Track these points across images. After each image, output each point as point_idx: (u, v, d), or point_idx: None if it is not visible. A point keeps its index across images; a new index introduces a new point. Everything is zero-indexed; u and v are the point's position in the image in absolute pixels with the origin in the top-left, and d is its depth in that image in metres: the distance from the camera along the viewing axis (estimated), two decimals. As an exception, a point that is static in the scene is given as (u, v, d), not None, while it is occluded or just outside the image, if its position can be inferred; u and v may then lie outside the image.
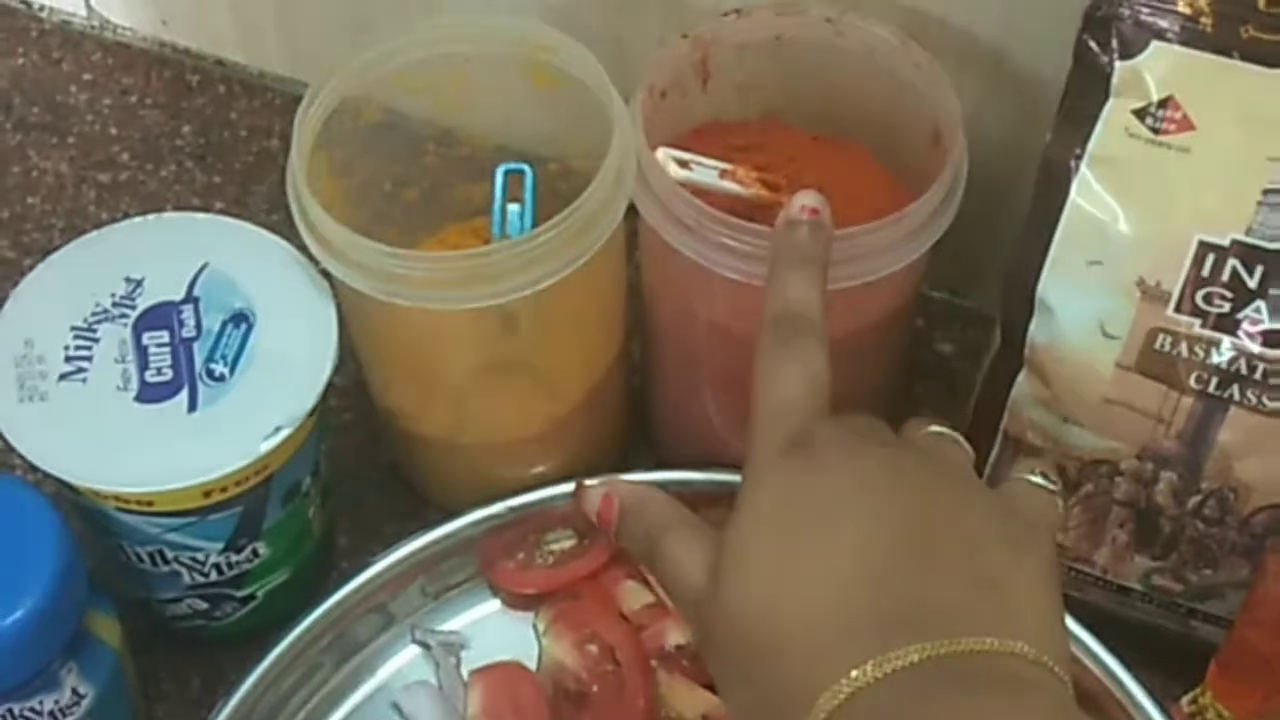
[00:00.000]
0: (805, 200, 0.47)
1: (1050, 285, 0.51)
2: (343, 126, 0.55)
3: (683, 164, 0.52)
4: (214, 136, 0.75)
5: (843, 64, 0.57)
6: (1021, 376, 0.53)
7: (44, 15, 0.79)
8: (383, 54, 0.56)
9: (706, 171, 0.53)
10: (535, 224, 0.57)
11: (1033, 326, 0.52)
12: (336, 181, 0.56)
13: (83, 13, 0.78)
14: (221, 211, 0.71)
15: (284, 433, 0.50)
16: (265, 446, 0.50)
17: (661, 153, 0.52)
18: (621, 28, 0.65)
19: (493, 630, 0.59)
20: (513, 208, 0.57)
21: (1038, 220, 0.52)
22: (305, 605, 0.55)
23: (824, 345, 0.44)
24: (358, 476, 0.63)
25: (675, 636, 0.56)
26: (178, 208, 0.72)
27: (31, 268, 0.69)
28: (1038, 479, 0.44)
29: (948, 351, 0.68)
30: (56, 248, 0.69)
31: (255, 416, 0.50)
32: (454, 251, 0.51)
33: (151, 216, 0.56)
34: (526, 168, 0.57)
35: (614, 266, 0.57)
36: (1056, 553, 0.41)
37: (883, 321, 0.57)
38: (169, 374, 0.51)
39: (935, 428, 0.45)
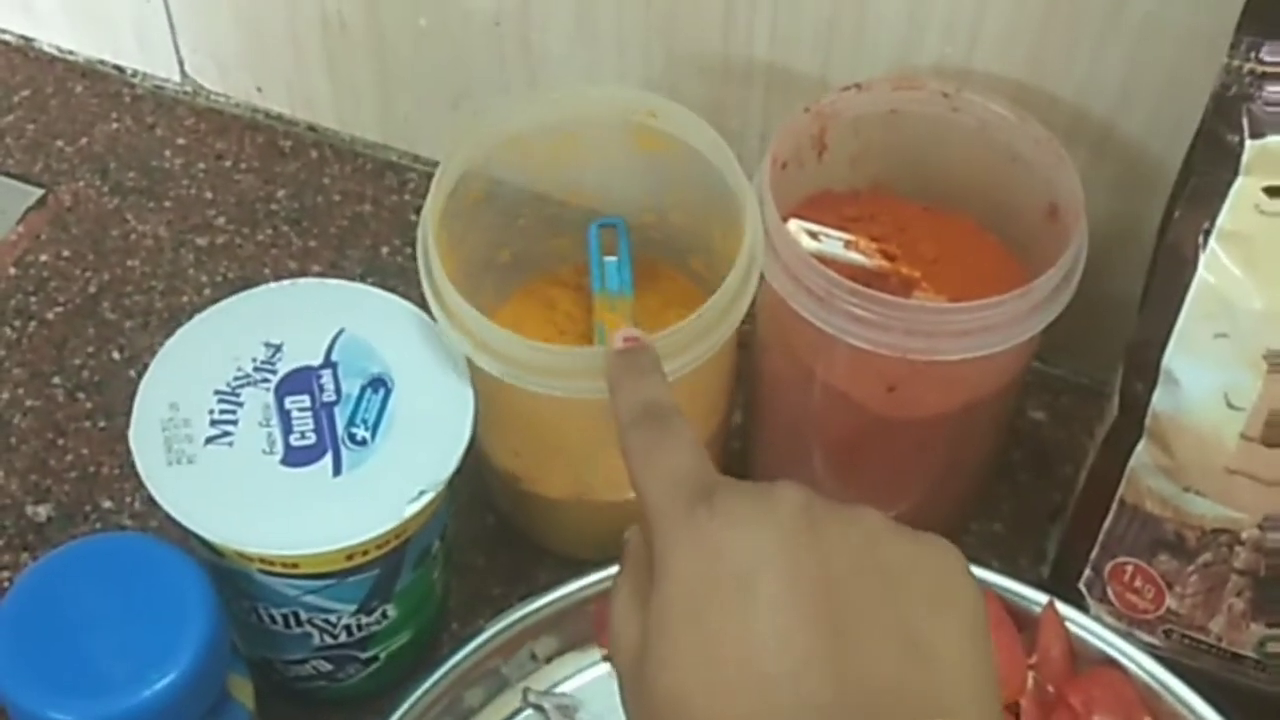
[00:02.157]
0: (623, 334, 0.48)
1: (1176, 357, 0.52)
2: (458, 201, 0.56)
3: (812, 235, 0.54)
4: (308, 201, 0.76)
5: (956, 137, 0.59)
6: (1141, 445, 0.54)
7: (136, 80, 0.81)
8: (498, 126, 0.57)
9: (833, 242, 0.55)
10: (632, 276, 0.58)
11: (1155, 397, 0.53)
12: (452, 253, 0.56)
13: (176, 78, 0.80)
14: (318, 275, 0.72)
15: (427, 497, 0.51)
16: (409, 510, 0.50)
17: (794, 224, 0.53)
18: (725, 97, 0.67)
19: (602, 693, 0.59)
20: (608, 260, 0.58)
21: (1160, 293, 0.52)
22: (421, 666, 0.56)
23: (691, 429, 0.43)
24: (465, 538, 0.64)
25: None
26: (275, 272, 0.73)
27: (133, 330, 0.71)
28: None
29: (1040, 419, 0.69)
30: (157, 310, 0.72)
31: (398, 481, 0.51)
32: (588, 349, 0.52)
33: (286, 282, 0.57)
34: (618, 221, 0.58)
35: (730, 343, 0.57)
36: (979, 589, 0.39)
37: (994, 395, 0.58)
38: (313, 438, 0.52)
39: None
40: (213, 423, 0.52)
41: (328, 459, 0.51)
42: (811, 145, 0.59)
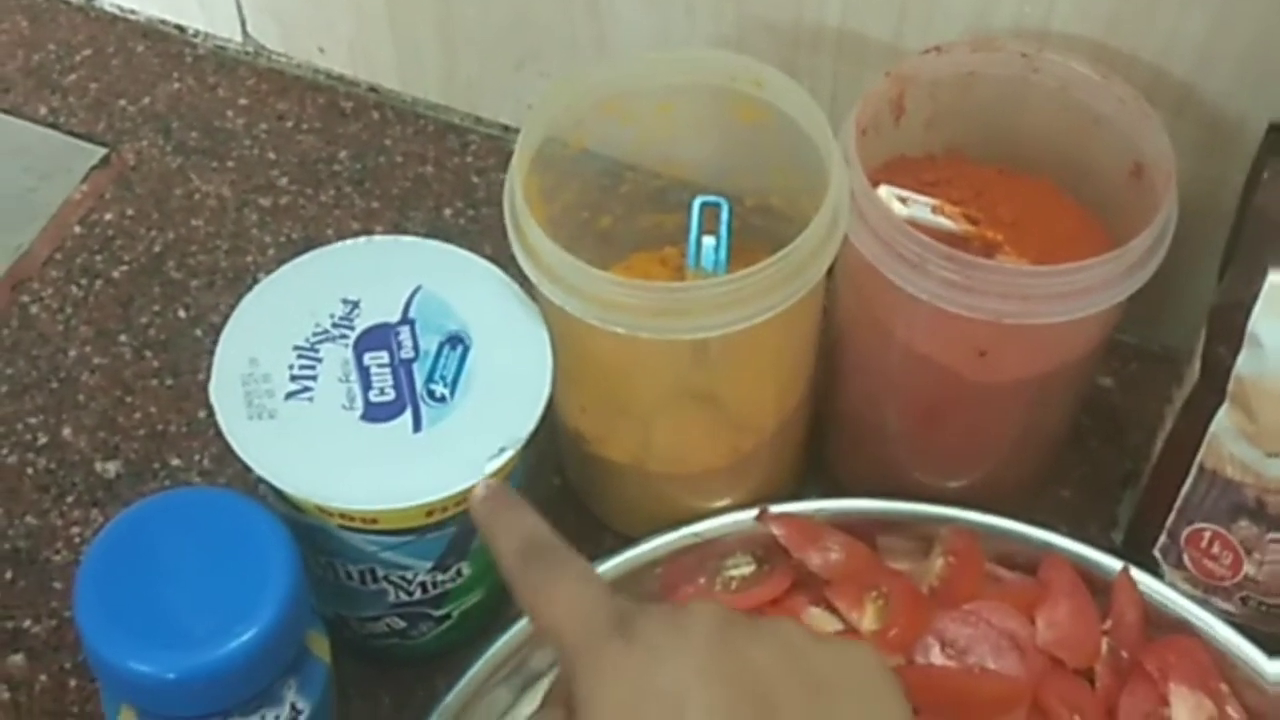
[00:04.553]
0: (484, 484, 0.49)
1: (1262, 320, 0.51)
2: (552, 153, 0.56)
3: (901, 200, 0.53)
4: (370, 162, 0.76)
5: (1034, 99, 0.58)
6: (1223, 410, 0.54)
7: (198, 40, 0.80)
8: (595, 84, 0.57)
9: (921, 207, 0.54)
10: (729, 258, 0.57)
11: (1239, 360, 0.52)
12: (542, 206, 0.56)
13: (238, 39, 0.79)
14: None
15: (508, 454, 0.51)
16: (490, 467, 0.50)
17: (885, 190, 0.53)
18: (795, 60, 0.66)
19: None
20: (707, 240, 0.57)
21: (1246, 256, 0.52)
22: (491, 625, 0.56)
23: (581, 557, 0.44)
24: (532, 500, 0.63)
25: (866, 663, 0.57)
26: (338, 232, 0.73)
27: (198, 289, 0.71)
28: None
29: (1108, 385, 0.68)
30: (222, 270, 0.72)
31: (479, 437, 0.51)
32: (673, 283, 0.52)
33: (362, 239, 0.57)
34: (723, 201, 0.57)
35: (814, 307, 0.57)
36: (903, 695, 0.40)
37: (1077, 361, 0.57)
38: (392, 394, 0.52)
39: None
40: (292, 378, 0.52)
41: (408, 415, 0.51)
42: (889, 110, 0.58)
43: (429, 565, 0.53)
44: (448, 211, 0.74)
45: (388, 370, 0.52)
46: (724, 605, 0.40)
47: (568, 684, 0.40)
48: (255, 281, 0.56)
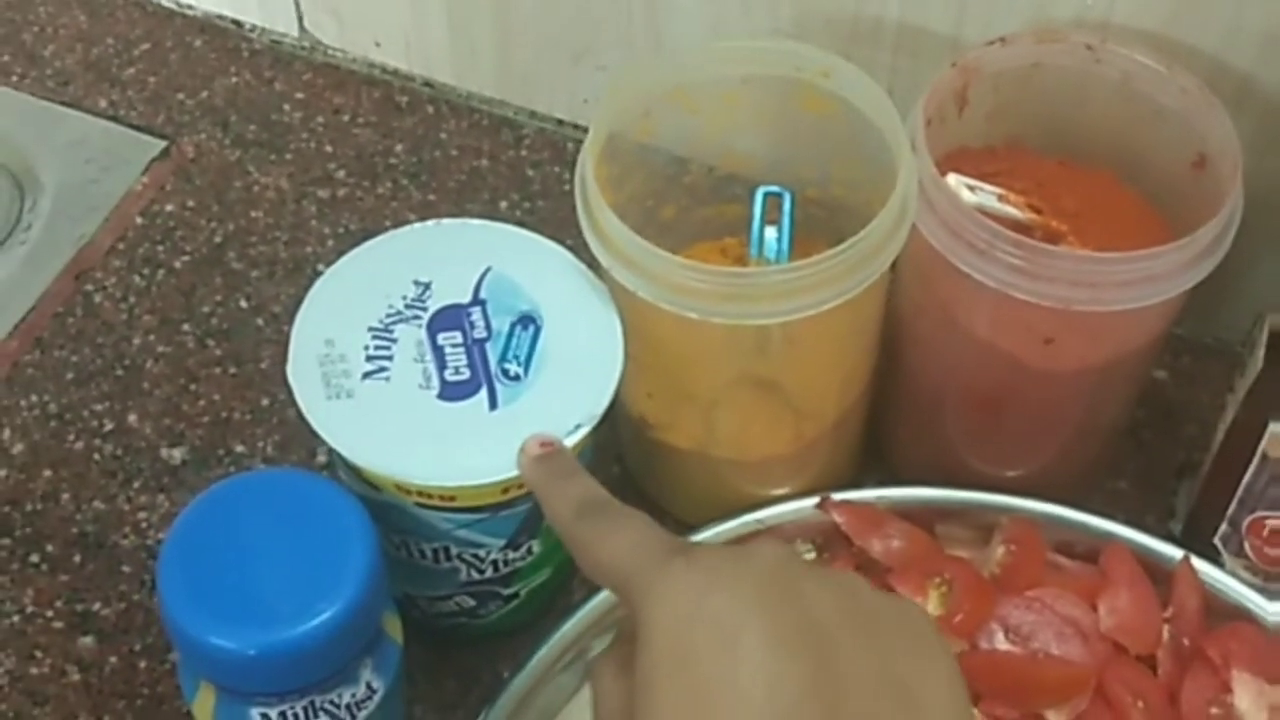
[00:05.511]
0: (539, 439, 0.50)
1: (1330, 308, 0.52)
2: (617, 143, 0.57)
3: (969, 188, 0.54)
4: (425, 156, 0.77)
5: (1097, 90, 0.59)
6: (1288, 398, 0.54)
7: (254, 35, 0.81)
8: (663, 73, 0.57)
9: (988, 196, 0.55)
10: (791, 248, 0.58)
11: (1306, 349, 0.53)
12: (608, 195, 0.57)
13: (294, 33, 0.80)
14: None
15: (584, 430, 0.51)
16: (569, 443, 0.51)
17: (953, 178, 0.54)
18: (853, 55, 0.66)
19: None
20: (770, 230, 0.58)
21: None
22: (556, 605, 0.57)
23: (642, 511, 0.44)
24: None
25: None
26: (396, 224, 0.74)
27: (259, 279, 0.71)
28: None
29: (1163, 378, 0.69)
30: (282, 260, 0.72)
31: (555, 415, 0.51)
32: (746, 269, 0.52)
33: (430, 222, 0.58)
34: (786, 192, 0.58)
35: (880, 295, 0.57)
36: (951, 651, 0.40)
37: (1138, 351, 0.58)
38: (467, 373, 0.52)
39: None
40: (368, 358, 0.52)
41: (483, 394, 0.52)
42: (954, 101, 0.59)
43: (501, 543, 0.54)
44: (503, 204, 0.75)
45: (462, 350, 0.53)
46: (788, 546, 0.40)
47: (630, 624, 0.40)
48: (316, 272, 0.57)
